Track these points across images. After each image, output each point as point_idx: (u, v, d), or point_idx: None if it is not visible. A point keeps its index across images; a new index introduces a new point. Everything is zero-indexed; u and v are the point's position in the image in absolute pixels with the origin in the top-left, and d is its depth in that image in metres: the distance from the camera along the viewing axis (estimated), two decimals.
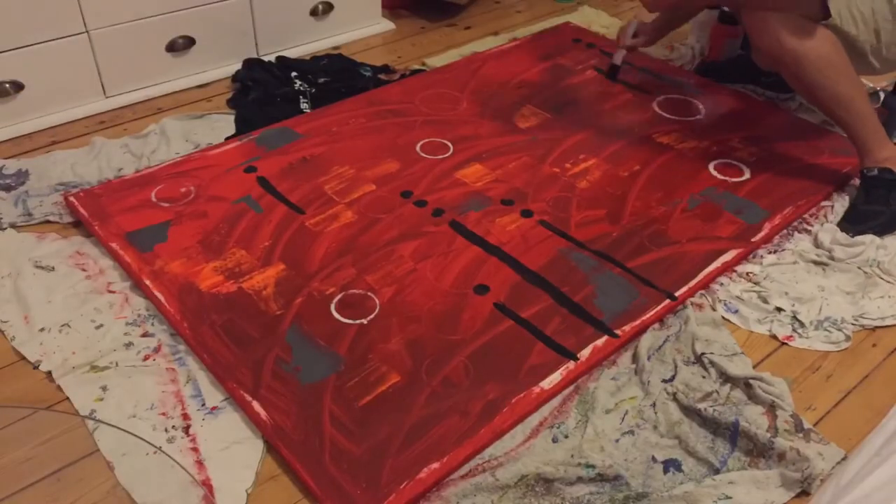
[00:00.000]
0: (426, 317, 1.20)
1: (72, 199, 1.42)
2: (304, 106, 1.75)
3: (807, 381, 1.14)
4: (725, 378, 1.12)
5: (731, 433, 1.03)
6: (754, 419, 1.05)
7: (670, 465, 1.01)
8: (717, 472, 1.00)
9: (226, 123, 1.70)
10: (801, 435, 1.03)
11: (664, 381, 1.12)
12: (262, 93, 1.76)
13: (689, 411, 1.07)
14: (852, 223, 1.40)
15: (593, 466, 0.99)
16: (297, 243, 1.34)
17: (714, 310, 1.24)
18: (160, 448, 1.01)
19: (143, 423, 1.05)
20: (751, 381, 1.10)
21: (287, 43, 1.95)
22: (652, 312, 1.22)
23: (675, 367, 1.13)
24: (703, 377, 1.12)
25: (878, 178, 1.41)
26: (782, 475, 0.98)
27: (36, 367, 1.13)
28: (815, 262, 1.33)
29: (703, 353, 1.15)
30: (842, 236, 1.37)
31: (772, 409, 1.07)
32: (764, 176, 1.52)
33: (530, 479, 0.98)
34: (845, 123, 1.43)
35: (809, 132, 1.67)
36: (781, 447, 0.99)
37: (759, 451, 1.02)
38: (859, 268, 1.31)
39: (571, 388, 1.12)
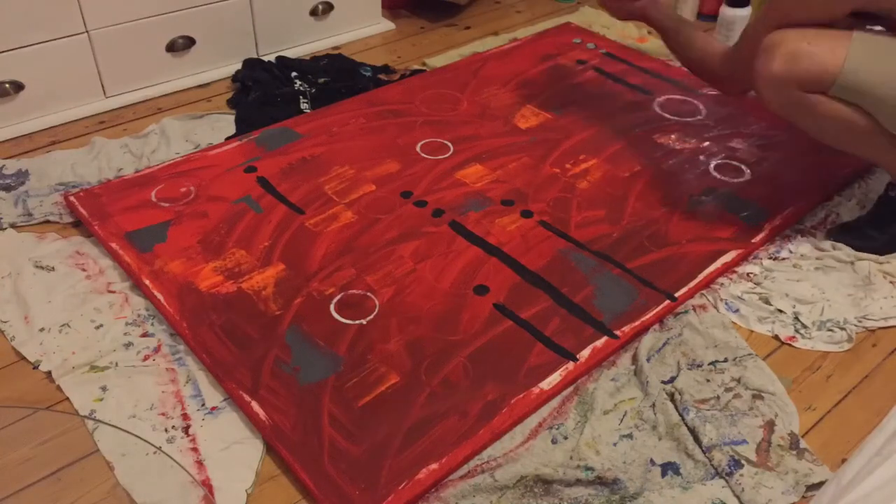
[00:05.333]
0: (426, 317, 1.20)
1: (72, 198, 1.42)
2: (304, 106, 1.75)
3: (807, 381, 1.14)
4: (738, 383, 1.11)
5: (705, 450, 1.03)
6: (748, 432, 1.04)
7: (668, 468, 1.01)
8: (714, 475, 1.00)
9: (226, 123, 1.70)
10: (794, 452, 1.02)
11: (664, 382, 1.12)
12: (262, 93, 1.76)
13: (683, 411, 1.07)
14: (851, 237, 1.36)
15: (592, 469, 0.99)
16: (297, 243, 1.34)
17: (717, 310, 1.24)
18: (160, 448, 1.01)
19: (142, 423, 1.05)
20: (763, 394, 1.10)
21: (287, 43, 1.95)
22: (652, 313, 1.22)
23: (678, 369, 1.13)
24: (707, 381, 1.12)
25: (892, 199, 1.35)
26: (781, 480, 0.99)
27: (36, 367, 1.13)
28: (816, 264, 1.33)
29: (714, 361, 1.14)
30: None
31: (770, 424, 1.06)
32: (764, 176, 1.52)
33: (529, 481, 0.98)
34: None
35: None
36: (735, 479, 0.99)
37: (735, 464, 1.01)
38: (856, 271, 1.31)
39: (571, 388, 1.12)
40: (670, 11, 1.51)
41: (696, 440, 1.03)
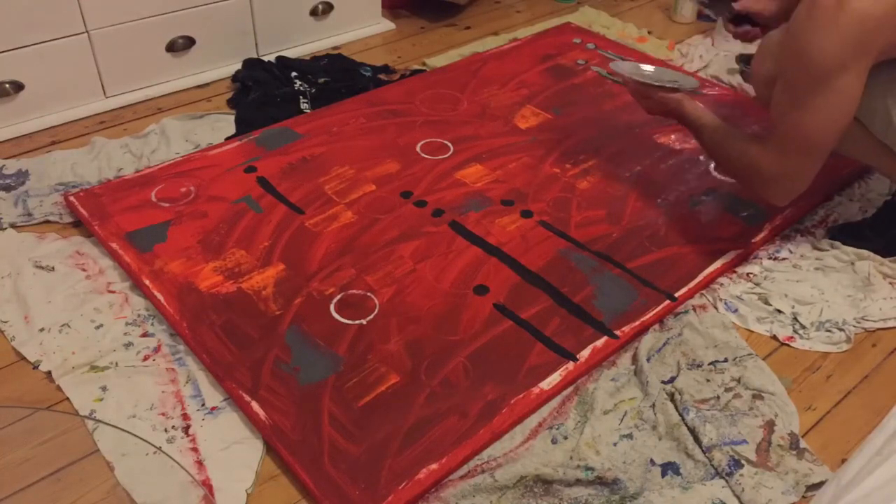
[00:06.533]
0: (426, 317, 1.20)
1: (72, 198, 1.42)
2: (304, 106, 1.75)
3: (807, 381, 1.14)
4: (738, 383, 1.11)
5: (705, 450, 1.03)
6: (748, 432, 1.04)
7: (668, 468, 1.01)
8: (714, 475, 1.00)
9: (226, 123, 1.70)
10: (794, 452, 1.02)
11: (664, 382, 1.12)
12: (262, 93, 1.76)
13: (683, 411, 1.07)
14: (851, 237, 1.37)
15: (592, 469, 0.99)
16: (297, 243, 1.34)
17: (717, 310, 1.24)
18: (160, 448, 1.01)
19: (142, 423, 1.05)
20: (763, 394, 1.10)
21: (287, 43, 1.95)
22: (652, 313, 1.22)
23: (678, 369, 1.13)
24: (707, 381, 1.12)
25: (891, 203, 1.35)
26: (781, 480, 0.99)
27: (36, 367, 1.13)
28: (816, 264, 1.33)
29: (714, 361, 1.15)
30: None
31: (770, 424, 1.06)
32: None
33: (529, 480, 0.98)
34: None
35: None
36: (734, 479, 0.98)
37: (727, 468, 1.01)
38: (856, 272, 1.31)
39: (571, 388, 1.11)
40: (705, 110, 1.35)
41: (696, 440, 1.03)
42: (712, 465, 1.01)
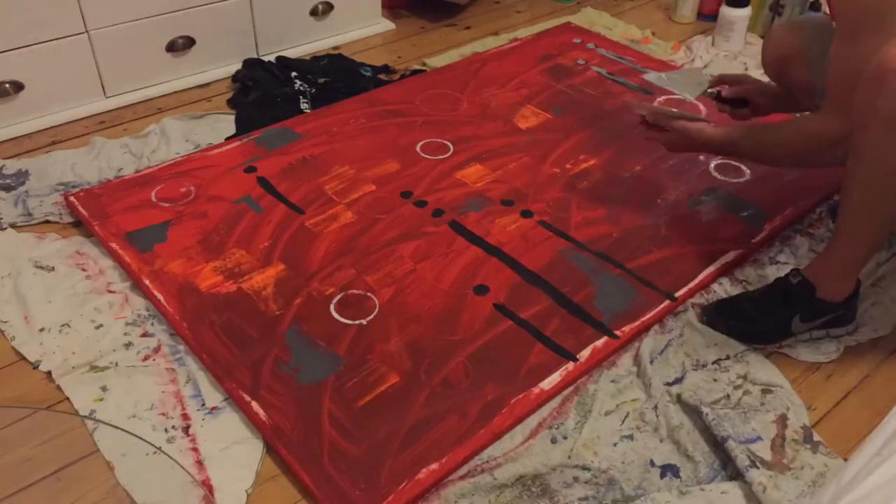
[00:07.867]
0: (426, 317, 1.20)
1: (72, 198, 1.42)
2: (304, 106, 1.75)
3: (807, 381, 1.14)
4: (745, 379, 1.11)
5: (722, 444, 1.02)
6: (762, 428, 1.04)
7: (668, 470, 1.01)
8: (714, 479, 1.00)
9: (226, 123, 1.70)
10: (808, 446, 1.02)
11: (667, 384, 1.11)
12: (262, 93, 1.76)
13: (692, 412, 1.06)
14: (718, 313, 1.21)
15: (589, 469, 0.99)
16: (297, 243, 1.34)
17: None
18: (160, 448, 1.01)
19: (142, 423, 1.05)
20: (772, 388, 1.10)
21: (287, 43, 1.95)
22: (652, 313, 1.22)
23: (684, 370, 1.13)
24: (714, 380, 1.11)
25: (790, 285, 1.16)
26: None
27: (36, 367, 1.13)
28: None
29: (717, 360, 1.15)
30: None
31: (783, 418, 1.06)
32: (764, 176, 1.52)
33: (527, 480, 0.98)
34: (850, 216, 1.09)
35: None
36: (752, 479, 0.97)
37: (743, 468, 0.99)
38: None
39: (571, 388, 1.11)
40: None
41: (709, 441, 1.03)
42: (728, 463, 1.00)
